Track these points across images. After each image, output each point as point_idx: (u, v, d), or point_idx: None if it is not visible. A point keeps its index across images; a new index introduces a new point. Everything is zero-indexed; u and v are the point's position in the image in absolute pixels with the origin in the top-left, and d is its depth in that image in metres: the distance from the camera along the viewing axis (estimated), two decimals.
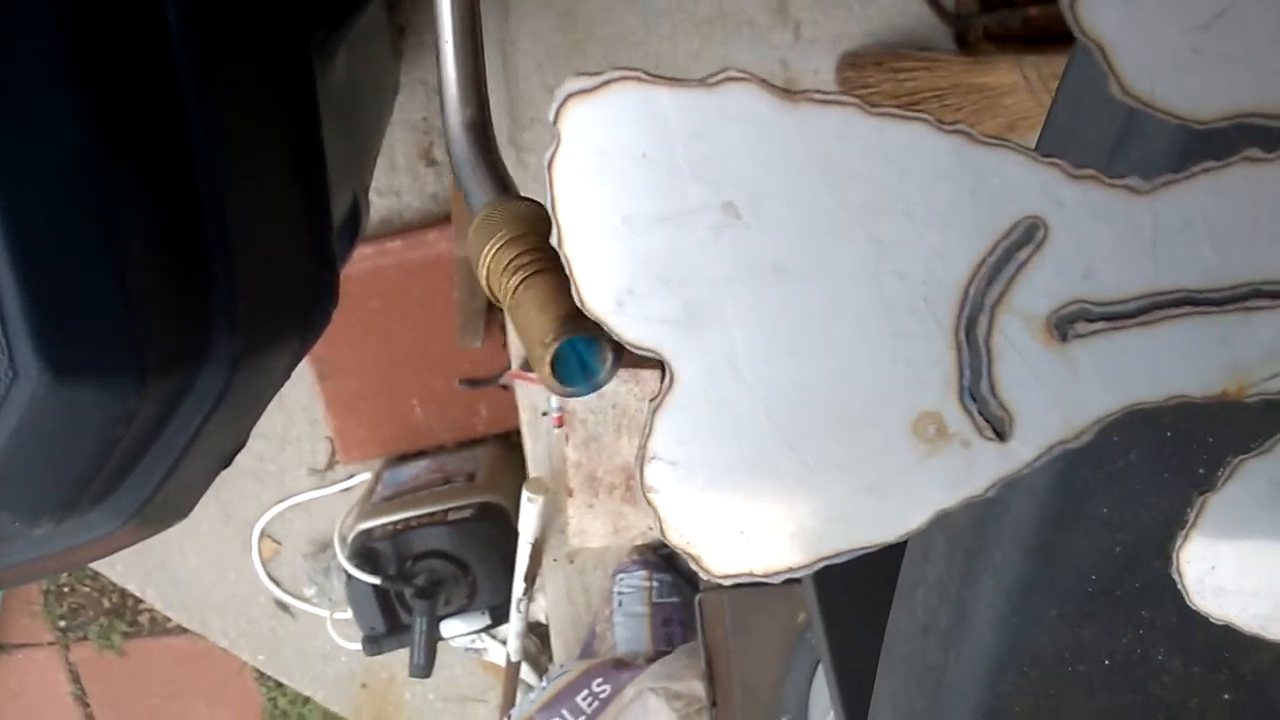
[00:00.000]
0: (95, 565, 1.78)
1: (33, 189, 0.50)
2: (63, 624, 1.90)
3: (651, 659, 1.36)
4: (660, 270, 0.32)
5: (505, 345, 1.45)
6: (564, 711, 1.31)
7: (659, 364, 0.33)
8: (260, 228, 0.63)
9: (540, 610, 1.58)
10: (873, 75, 1.16)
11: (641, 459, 0.34)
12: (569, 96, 0.30)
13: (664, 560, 1.43)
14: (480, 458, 1.54)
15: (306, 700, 1.83)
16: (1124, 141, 0.34)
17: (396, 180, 1.44)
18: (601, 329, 0.33)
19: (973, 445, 0.34)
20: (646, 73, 0.30)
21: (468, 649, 1.65)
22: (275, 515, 1.66)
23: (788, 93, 0.30)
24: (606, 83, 0.30)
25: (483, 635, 1.56)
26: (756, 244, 0.32)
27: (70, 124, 0.51)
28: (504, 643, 1.55)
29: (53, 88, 0.51)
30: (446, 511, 1.45)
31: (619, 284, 0.32)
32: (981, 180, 0.31)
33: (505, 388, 1.49)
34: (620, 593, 1.43)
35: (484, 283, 0.41)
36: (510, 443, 1.55)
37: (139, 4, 0.55)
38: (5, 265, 0.48)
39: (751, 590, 1.10)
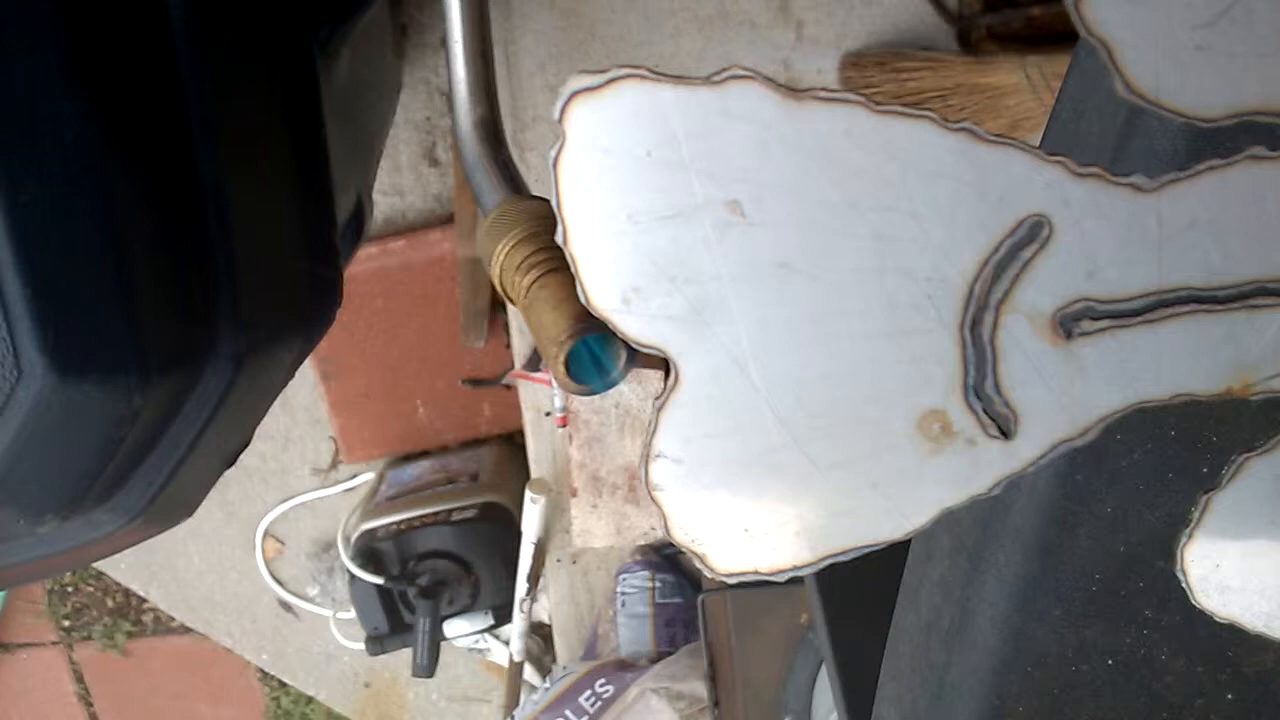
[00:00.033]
0: (99, 565, 1.78)
1: (36, 187, 0.50)
2: (66, 623, 1.91)
3: (654, 659, 1.36)
4: (665, 268, 0.32)
5: (508, 345, 1.45)
6: (567, 712, 1.31)
7: (664, 362, 0.33)
8: (264, 226, 0.63)
9: (543, 610, 1.58)
10: (875, 75, 1.16)
11: (646, 457, 0.34)
12: (573, 95, 0.30)
13: (667, 561, 1.43)
14: (483, 458, 1.54)
15: (310, 700, 1.83)
16: (1128, 140, 0.34)
17: (399, 180, 1.44)
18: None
19: (977, 443, 0.34)
20: (651, 71, 0.30)
21: (471, 649, 1.65)
22: (279, 515, 1.66)
23: (792, 90, 0.30)
24: (611, 81, 0.30)
25: (486, 635, 1.56)
26: (761, 242, 0.32)
27: (73, 122, 0.51)
28: (507, 643, 1.55)
29: (56, 85, 0.51)
30: (450, 511, 1.45)
31: (624, 282, 0.32)
32: (986, 178, 0.31)
33: (508, 387, 1.49)
34: (623, 593, 1.43)
35: (497, 282, 0.41)
36: (513, 443, 1.56)
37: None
38: (10, 264, 0.49)
39: (754, 591, 1.10)
